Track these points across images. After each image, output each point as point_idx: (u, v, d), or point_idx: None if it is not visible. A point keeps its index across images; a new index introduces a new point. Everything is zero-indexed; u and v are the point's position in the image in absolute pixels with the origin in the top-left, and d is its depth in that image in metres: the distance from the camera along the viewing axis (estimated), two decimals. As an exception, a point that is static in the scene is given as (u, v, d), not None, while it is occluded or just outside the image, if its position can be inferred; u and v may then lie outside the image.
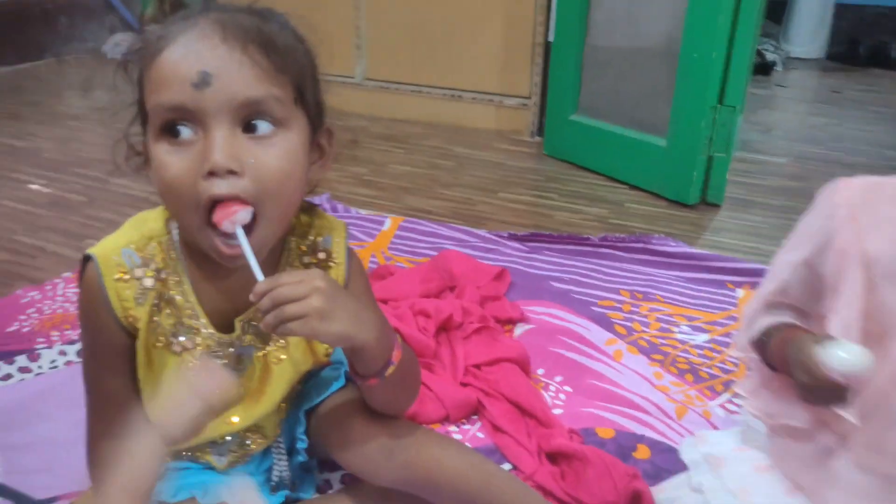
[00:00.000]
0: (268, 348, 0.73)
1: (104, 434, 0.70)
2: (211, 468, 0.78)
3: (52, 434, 1.01)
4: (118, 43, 3.53)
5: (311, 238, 0.75)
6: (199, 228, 0.61)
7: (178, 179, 0.60)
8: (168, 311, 0.68)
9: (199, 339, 0.70)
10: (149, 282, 0.67)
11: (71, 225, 1.76)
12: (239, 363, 0.72)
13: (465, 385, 1.10)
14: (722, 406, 1.08)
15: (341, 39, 2.60)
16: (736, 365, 1.18)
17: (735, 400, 1.10)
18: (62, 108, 2.84)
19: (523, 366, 1.12)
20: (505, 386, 1.05)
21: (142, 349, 0.68)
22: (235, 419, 0.75)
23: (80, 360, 1.17)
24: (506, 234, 1.62)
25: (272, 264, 0.72)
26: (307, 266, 0.74)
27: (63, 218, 1.80)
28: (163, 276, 0.68)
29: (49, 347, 1.21)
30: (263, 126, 0.61)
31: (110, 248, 0.67)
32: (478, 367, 1.13)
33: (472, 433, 1.03)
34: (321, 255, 0.75)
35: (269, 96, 0.60)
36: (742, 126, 2.50)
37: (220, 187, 0.59)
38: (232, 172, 0.59)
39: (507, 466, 0.95)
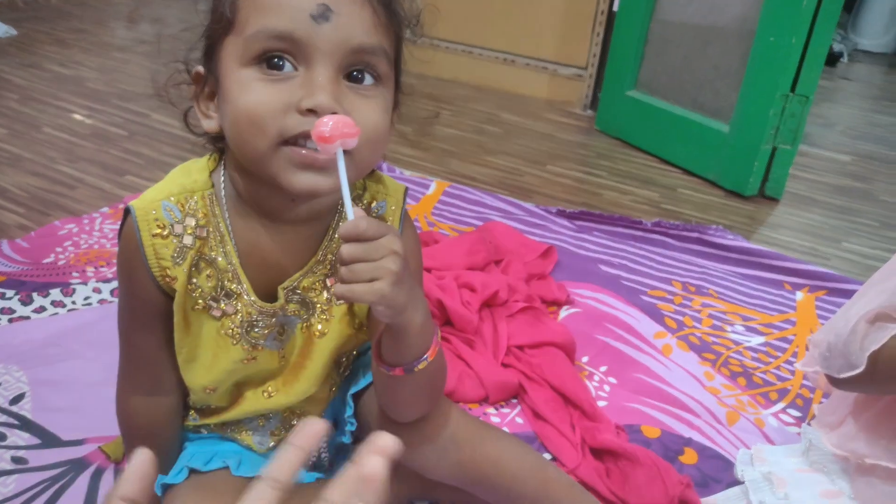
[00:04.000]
0: (312, 319, 0.68)
1: (135, 388, 0.69)
2: (250, 449, 0.74)
3: (82, 374, 0.99)
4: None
5: (366, 202, 0.70)
6: (271, 150, 0.55)
7: (267, 108, 0.54)
8: (208, 272, 0.63)
9: (240, 306, 0.65)
10: (188, 240, 0.62)
11: (110, 158, 1.72)
12: (281, 334, 0.68)
13: (506, 366, 1.05)
14: (776, 416, 1.03)
15: (396, -9, 2.52)
16: (792, 373, 1.12)
17: (790, 411, 1.04)
18: (108, 37, 2.79)
19: (568, 352, 1.07)
20: (549, 371, 1.00)
21: (179, 311, 0.63)
22: (273, 392, 0.70)
23: (113, 299, 1.15)
24: (554, 210, 1.55)
25: (325, 226, 0.67)
26: None
27: (103, 150, 1.76)
28: (204, 233, 0.63)
29: (84, 283, 1.18)
30: (368, 78, 0.58)
31: (149, 202, 0.62)
32: (520, 348, 1.08)
33: (511, 417, 0.99)
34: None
35: (380, 48, 0.57)
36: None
37: (319, 125, 0.53)
38: (334, 114, 0.54)
39: (546, 456, 0.91)
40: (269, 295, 0.66)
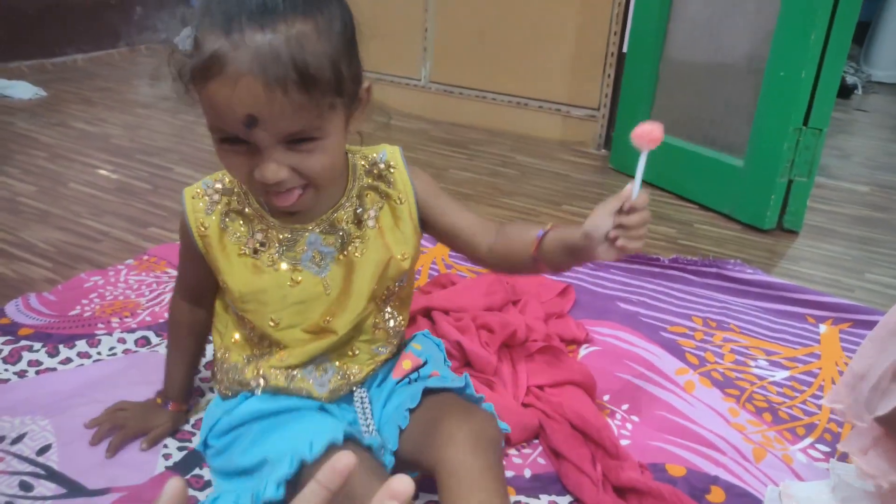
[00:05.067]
0: (348, 248, 0.82)
1: (182, 296, 0.94)
2: (311, 397, 0.83)
3: (106, 424, 1.00)
4: (190, 35, 3.60)
5: (371, 155, 0.85)
6: (254, 189, 0.76)
7: (238, 171, 0.72)
8: (239, 221, 0.81)
9: (272, 234, 0.81)
10: (216, 196, 0.82)
11: (135, 211, 1.77)
12: (320, 260, 0.81)
13: (526, 406, 1.05)
14: (804, 451, 1.01)
15: (408, 41, 2.58)
16: (819, 408, 1.10)
17: (818, 446, 1.02)
18: (132, 95, 2.89)
19: (589, 390, 1.06)
20: (569, 410, 1.00)
21: (222, 258, 0.81)
22: (330, 318, 0.81)
23: (138, 349, 1.17)
24: (571, 249, 1.56)
25: (343, 181, 0.83)
26: (373, 176, 0.84)
27: (127, 204, 1.81)
28: (230, 193, 0.82)
29: (109, 334, 1.21)
30: (306, 144, 0.70)
31: (195, 183, 0.85)
32: (541, 388, 1.08)
33: (532, 458, 0.98)
34: (381, 166, 0.85)
35: (308, 126, 0.68)
36: (821, 151, 2.39)
37: (274, 189, 0.72)
38: (282, 182, 0.70)
39: (566, 499, 0.90)
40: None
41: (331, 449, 0.72)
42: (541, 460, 0.97)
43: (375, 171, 0.85)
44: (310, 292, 0.81)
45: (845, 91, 3.29)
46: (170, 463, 0.95)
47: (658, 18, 1.95)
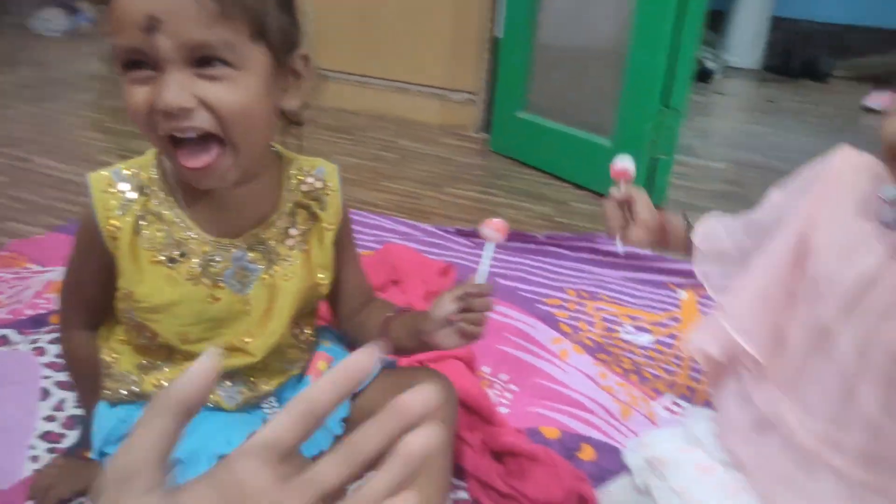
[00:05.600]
0: (274, 267, 0.76)
1: (75, 324, 0.81)
2: (219, 408, 0.79)
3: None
4: (47, 18, 3.36)
5: (305, 168, 0.79)
6: (166, 152, 0.66)
7: (139, 111, 0.63)
8: (157, 225, 0.72)
9: (193, 246, 0.73)
10: (131, 195, 0.72)
11: (-11, 206, 1.64)
12: (244, 277, 0.75)
13: (409, 382, 1.07)
14: (666, 408, 1.09)
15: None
16: (680, 366, 1.19)
17: (679, 402, 1.11)
18: (-17, 82, 2.67)
19: (469, 363, 1.10)
20: (451, 384, 1.03)
21: (130, 263, 0.71)
22: (248, 340, 0.76)
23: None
24: (452, 230, 1.59)
25: (275, 189, 0.76)
26: (307, 195, 0.78)
27: (-19, 198, 1.68)
28: (147, 191, 0.72)
29: (-39, 336, 1.12)
30: (217, 68, 0.62)
31: (105, 171, 0.73)
32: (421, 364, 1.10)
33: (416, 432, 1.00)
34: (318, 184, 0.79)
35: (219, 41, 0.61)
36: (683, 131, 2.55)
37: (177, 123, 0.62)
38: (185, 109, 0.61)
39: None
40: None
41: None
42: (423, 433, 1.00)
43: (310, 189, 0.78)
44: (230, 311, 0.75)
45: (705, 75, 3.51)
46: (38, 465, 0.90)
47: (529, 4, 2.01)
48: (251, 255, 0.75)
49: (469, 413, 1.00)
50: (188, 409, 0.31)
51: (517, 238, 1.58)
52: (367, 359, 0.34)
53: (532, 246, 1.56)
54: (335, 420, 0.83)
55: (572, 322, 1.30)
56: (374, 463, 0.32)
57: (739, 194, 2.10)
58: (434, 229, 1.59)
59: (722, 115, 3.12)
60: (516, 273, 1.44)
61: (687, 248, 0.89)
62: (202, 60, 0.61)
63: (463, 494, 0.90)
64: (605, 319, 1.31)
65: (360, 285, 0.88)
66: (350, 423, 0.83)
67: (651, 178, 1.90)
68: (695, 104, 3.06)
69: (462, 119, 2.43)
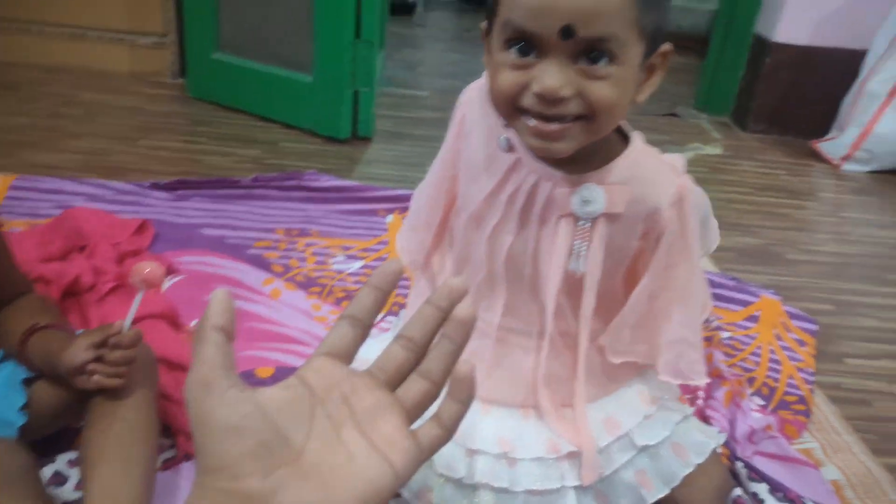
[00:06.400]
0: None
1: None
2: None
3: None
4: None
5: None
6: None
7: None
8: None
9: None
10: None
11: None
12: None
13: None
14: (377, 326, 1.14)
15: None
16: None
17: (389, 318, 1.16)
18: None
19: (172, 319, 1.04)
20: (150, 343, 0.96)
21: None
22: None
23: None
24: (147, 184, 1.48)
25: None
26: None
27: None
28: None
29: None
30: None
31: None
32: (120, 329, 1.02)
33: (117, 401, 0.93)
34: None
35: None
36: (388, 63, 2.61)
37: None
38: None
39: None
40: None
41: None
42: (124, 401, 0.93)
43: None
44: None
45: (408, 9, 3.62)
46: None
47: (206, -65, 1.88)
48: None
49: (174, 369, 0.95)
50: (226, 331, 0.35)
51: (222, 185, 1.51)
52: (396, 262, 0.40)
53: (239, 192, 1.51)
54: (14, 411, 0.75)
55: (283, 261, 1.29)
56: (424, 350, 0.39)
57: (442, 119, 2.20)
58: (126, 186, 1.46)
59: (425, 46, 3.25)
60: (222, 221, 1.39)
61: None
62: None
63: (171, 454, 0.87)
64: (315, 253, 1.32)
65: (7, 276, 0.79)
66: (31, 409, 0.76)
67: (356, 112, 1.92)
68: (399, 37, 3.15)
69: (154, 65, 2.24)
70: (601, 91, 0.59)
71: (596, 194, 0.66)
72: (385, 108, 2.20)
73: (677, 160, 0.70)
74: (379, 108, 2.08)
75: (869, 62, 2.13)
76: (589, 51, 0.58)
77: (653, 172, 0.67)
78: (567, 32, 0.58)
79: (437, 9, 3.93)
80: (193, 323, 1.09)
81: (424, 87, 2.53)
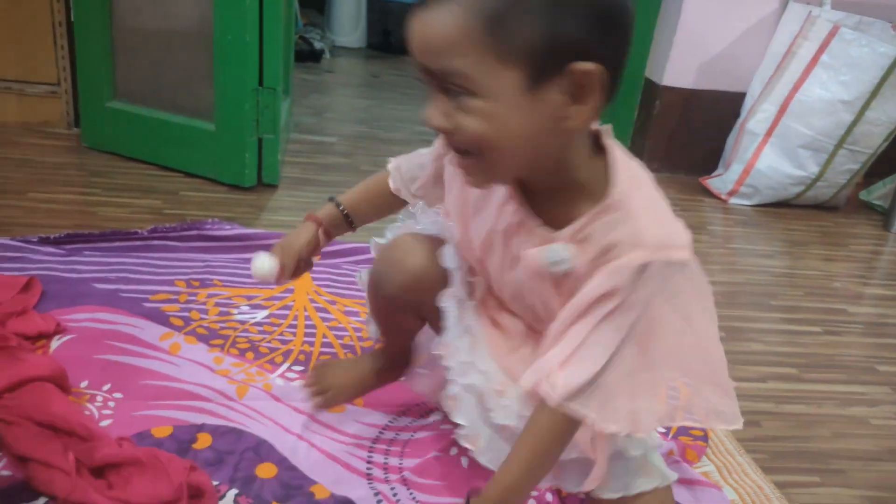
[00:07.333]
0: None
1: None
2: None
3: None
4: None
5: None
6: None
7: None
8: None
9: None
10: None
11: None
12: None
13: (-16, 420, 0.92)
14: (282, 376, 1.11)
15: None
16: (294, 335, 1.22)
17: (294, 368, 1.14)
18: None
19: (59, 382, 0.99)
20: (32, 409, 0.91)
21: None
22: None
23: None
24: (35, 239, 1.40)
25: None
26: None
27: None
28: None
29: None
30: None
31: None
32: None
33: (-3, 474, 0.87)
34: None
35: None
36: (295, 110, 2.61)
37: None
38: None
39: (40, 502, 0.83)
40: None
41: None
42: (4, 472, 0.87)
43: None
44: None
45: (316, 55, 3.64)
46: None
47: (98, -17, 1.84)
48: None
49: (61, 435, 0.90)
50: None
51: (117, 237, 1.45)
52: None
53: (137, 243, 1.46)
54: None
55: (183, 314, 1.24)
56: None
57: (349, 164, 2.23)
58: (11, 242, 1.38)
59: (333, 92, 3.26)
60: (117, 275, 1.33)
61: (351, 226, 1.05)
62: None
63: (58, 526, 0.81)
64: (218, 304, 1.29)
65: None
66: None
67: (261, 159, 1.90)
68: (307, 83, 3.16)
69: (45, 115, 2.15)
70: (470, 125, 0.60)
71: (563, 255, 0.67)
72: (292, 155, 2.19)
73: (676, 237, 0.67)
74: (286, 154, 2.07)
75: (747, 104, 2.30)
76: (446, 86, 0.60)
77: (631, 237, 0.64)
78: (423, 69, 0.60)
79: (344, 55, 3.97)
80: (83, 384, 1.04)
81: (332, 133, 2.54)
